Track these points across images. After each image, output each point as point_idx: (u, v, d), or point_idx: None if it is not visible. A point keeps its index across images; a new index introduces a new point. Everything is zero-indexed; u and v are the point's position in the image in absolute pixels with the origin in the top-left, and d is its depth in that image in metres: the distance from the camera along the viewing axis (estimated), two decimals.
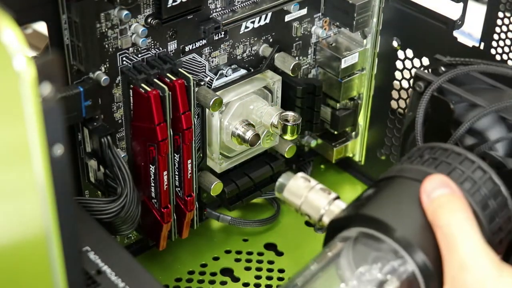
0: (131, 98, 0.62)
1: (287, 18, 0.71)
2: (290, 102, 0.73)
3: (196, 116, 0.66)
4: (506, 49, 0.64)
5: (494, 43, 0.64)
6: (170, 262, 0.74)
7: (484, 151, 0.56)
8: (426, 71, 0.67)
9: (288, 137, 0.69)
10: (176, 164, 0.64)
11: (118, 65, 0.61)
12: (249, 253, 0.76)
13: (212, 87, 0.68)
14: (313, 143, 0.81)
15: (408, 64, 0.73)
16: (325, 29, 0.75)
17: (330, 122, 0.78)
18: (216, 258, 0.75)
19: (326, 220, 0.51)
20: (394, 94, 0.76)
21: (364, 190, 0.52)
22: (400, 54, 0.73)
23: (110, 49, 0.60)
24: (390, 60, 0.74)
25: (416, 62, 0.72)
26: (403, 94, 0.75)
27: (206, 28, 0.65)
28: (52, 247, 0.37)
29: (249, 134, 0.67)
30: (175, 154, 0.64)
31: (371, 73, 0.77)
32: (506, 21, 0.63)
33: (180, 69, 0.62)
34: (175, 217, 0.67)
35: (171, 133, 0.62)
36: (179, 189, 0.66)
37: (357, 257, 0.47)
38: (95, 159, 0.61)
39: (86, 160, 0.63)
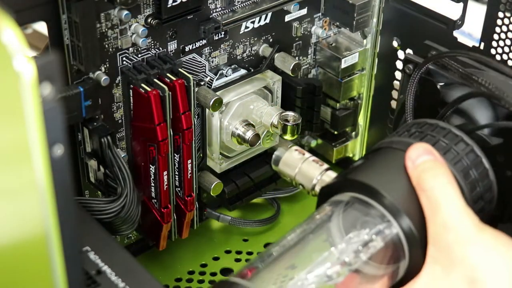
0: (131, 98, 0.62)
1: (287, 18, 0.71)
2: (290, 102, 0.73)
3: (196, 116, 0.66)
4: (506, 49, 0.64)
5: (494, 43, 0.64)
6: (170, 262, 0.74)
7: (470, 129, 0.57)
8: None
9: (288, 137, 0.69)
10: (176, 164, 0.64)
11: (118, 65, 0.61)
12: (249, 253, 0.76)
13: (212, 87, 0.68)
14: (313, 143, 0.81)
15: None
16: (325, 29, 0.75)
17: (330, 122, 0.78)
18: (216, 258, 0.75)
19: (318, 189, 0.53)
20: (394, 94, 0.76)
21: (355, 162, 0.54)
22: (400, 54, 0.73)
23: (110, 49, 0.60)
24: (390, 60, 0.74)
25: None
26: None
27: (206, 28, 0.65)
28: (52, 247, 0.37)
29: (249, 134, 0.67)
30: (175, 154, 0.64)
31: (371, 73, 0.77)
32: (506, 21, 0.63)
33: (180, 69, 0.62)
34: (175, 217, 0.67)
35: (171, 133, 0.62)
36: (179, 189, 0.66)
37: (346, 223, 0.49)
38: (95, 159, 0.61)
39: (86, 160, 0.63)
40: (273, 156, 0.59)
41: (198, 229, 0.73)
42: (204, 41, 0.66)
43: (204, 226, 0.78)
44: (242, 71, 0.70)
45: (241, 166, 0.73)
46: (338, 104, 0.77)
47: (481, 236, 0.47)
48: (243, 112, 0.68)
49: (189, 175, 0.65)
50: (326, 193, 0.52)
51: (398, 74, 0.75)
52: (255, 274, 0.48)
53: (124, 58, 0.61)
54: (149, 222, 0.66)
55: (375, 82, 0.77)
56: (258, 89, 0.70)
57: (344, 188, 0.51)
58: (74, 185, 0.39)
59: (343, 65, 0.75)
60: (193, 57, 0.66)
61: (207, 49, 0.67)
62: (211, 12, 0.65)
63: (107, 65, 0.60)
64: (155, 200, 0.65)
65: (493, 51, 0.65)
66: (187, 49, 0.65)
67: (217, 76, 0.69)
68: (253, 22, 0.69)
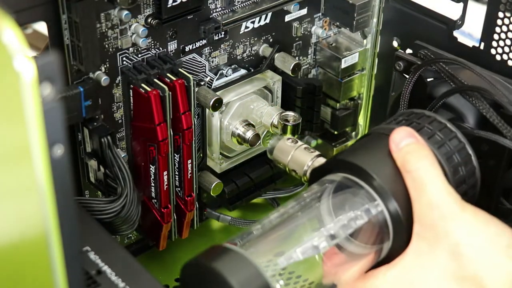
0: (131, 98, 0.62)
1: (287, 18, 0.71)
2: (290, 102, 0.73)
3: (196, 116, 0.66)
4: (506, 49, 0.64)
5: (494, 43, 0.64)
6: (170, 262, 0.74)
7: (457, 123, 0.60)
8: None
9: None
10: (176, 164, 0.64)
11: (118, 65, 0.61)
12: None
13: (212, 87, 0.68)
14: (313, 143, 0.81)
15: None
16: (325, 29, 0.75)
17: (330, 122, 0.78)
18: None
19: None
20: None
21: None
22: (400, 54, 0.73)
23: (110, 49, 0.60)
24: (390, 60, 0.74)
25: None
26: None
27: (206, 28, 0.65)
28: (52, 247, 0.37)
29: (249, 134, 0.67)
30: (175, 154, 0.64)
31: (371, 73, 0.77)
32: (506, 21, 0.63)
33: (180, 69, 0.62)
34: (175, 217, 0.67)
35: (171, 133, 0.62)
36: (179, 189, 0.66)
37: (336, 202, 0.52)
38: (95, 159, 0.61)
39: (86, 160, 0.63)
40: (268, 145, 0.65)
41: (198, 229, 0.73)
42: (204, 41, 0.66)
43: (204, 226, 0.78)
44: (242, 71, 0.70)
45: (241, 166, 0.73)
46: (338, 104, 0.77)
47: (463, 213, 0.49)
48: (243, 112, 0.68)
49: (189, 175, 0.65)
50: (317, 175, 0.55)
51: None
52: (248, 244, 0.50)
53: (124, 58, 0.61)
54: (149, 222, 0.66)
55: (375, 82, 0.77)
56: (258, 89, 0.70)
57: (334, 169, 0.54)
58: (74, 185, 0.39)
59: (343, 65, 0.75)
60: (193, 57, 0.66)
61: (207, 49, 0.67)
62: (211, 12, 0.65)
63: (107, 65, 0.60)
64: (155, 200, 0.65)
65: (493, 51, 0.65)
66: (187, 49, 0.65)
67: (217, 76, 0.69)
68: (253, 22, 0.69)
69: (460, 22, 0.67)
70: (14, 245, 0.41)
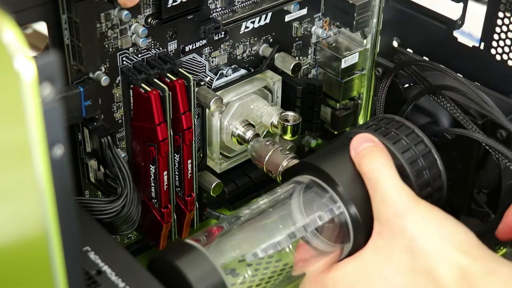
0: (131, 98, 0.62)
1: (287, 18, 0.71)
2: (290, 102, 0.73)
3: (196, 116, 0.66)
4: (506, 49, 0.64)
5: (494, 43, 0.64)
6: None
7: (431, 127, 0.63)
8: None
9: (288, 137, 0.69)
10: (176, 164, 0.64)
11: (118, 65, 0.61)
12: None
13: (212, 87, 0.68)
14: (313, 143, 0.81)
15: None
16: (325, 29, 0.75)
17: (330, 122, 0.78)
18: None
19: None
20: None
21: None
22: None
23: (110, 49, 0.60)
24: (390, 60, 0.74)
25: None
26: None
27: (206, 28, 0.65)
28: (52, 247, 0.37)
29: (249, 134, 0.67)
30: (175, 154, 0.64)
31: (371, 73, 0.77)
32: (506, 21, 0.63)
33: (180, 69, 0.62)
34: (175, 217, 0.67)
35: (171, 133, 0.62)
36: (179, 189, 0.66)
37: (306, 202, 0.56)
38: (95, 159, 0.61)
39: (86, 160, 0.63)
40: (249, 146, 0.67)
41: (198, 229, 0.73)
42: (204, 41, 0.66)
43: (204, 226, 0.78)
44: (242, 71, 0.70)
45: (241, 166, 0.73)
46: (338, 104, 0.77)
47: (417, 209, 0.51)
48: (243, 112, 0.69)
49: (189, 175, 0.65)
50: (288, 176, 0.59)
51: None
52: (214, 242, 0.53)
53: (124, 58, 0.61)
54: (149, 222, 0.66)
55: (375, 82, 0.77)
56: (258, 89, 0.70)
57: (303, 171, 0.57)
58: (74, 185, 0.39)
59: (343, 65, 0.75)
60: (193, 57, 0.66)
61: (207, 49, 0.67)
62: (211, 12, 0.65)
63: (107, 65, 0.60)
64: (155, 200, 0.65)
65: (493, 51, 0.65)
66: (187, 49, 0.65)
67: (217, 76, 0.69)
68: (253, 22, 0.69)
69: (460, 22, 0.67)
70: (14, 245, 0.41)
